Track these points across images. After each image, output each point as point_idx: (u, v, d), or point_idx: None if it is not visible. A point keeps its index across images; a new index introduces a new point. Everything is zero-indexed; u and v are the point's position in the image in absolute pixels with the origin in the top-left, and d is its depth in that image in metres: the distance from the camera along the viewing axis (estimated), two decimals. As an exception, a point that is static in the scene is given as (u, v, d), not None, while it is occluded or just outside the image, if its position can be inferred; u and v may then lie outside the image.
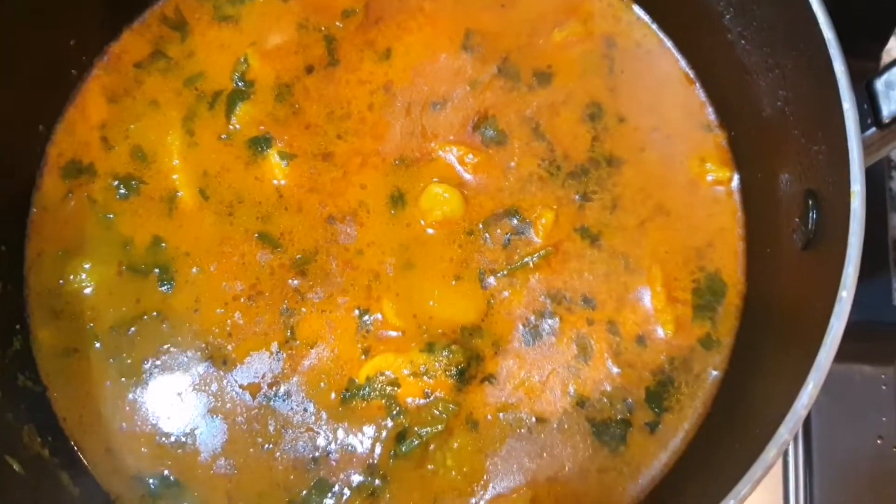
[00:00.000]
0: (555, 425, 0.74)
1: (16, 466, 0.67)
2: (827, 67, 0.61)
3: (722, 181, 0.79)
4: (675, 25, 0.82)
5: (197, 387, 0.76)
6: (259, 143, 0.82)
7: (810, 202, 0.65)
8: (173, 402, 0.76)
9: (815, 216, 0.65)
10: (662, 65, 0.83)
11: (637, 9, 0.84)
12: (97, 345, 0.77)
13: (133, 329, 0.77)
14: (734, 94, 0.78)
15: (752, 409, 0.68)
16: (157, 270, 0.79)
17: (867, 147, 0.61)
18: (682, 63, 0.82)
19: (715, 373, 0.75)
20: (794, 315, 0.68)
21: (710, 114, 0.81)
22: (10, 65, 0.76)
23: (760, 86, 0.73)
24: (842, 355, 0.91)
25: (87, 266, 0.79)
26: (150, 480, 0.74)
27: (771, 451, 0.58)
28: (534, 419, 0.74)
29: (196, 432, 0.75)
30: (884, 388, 0.93)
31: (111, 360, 0.77)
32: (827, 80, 0.61)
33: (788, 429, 0.58)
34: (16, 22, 0.75)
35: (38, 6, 0.76)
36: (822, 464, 0.89)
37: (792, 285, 0.70)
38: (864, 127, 0.61)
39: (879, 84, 0.61)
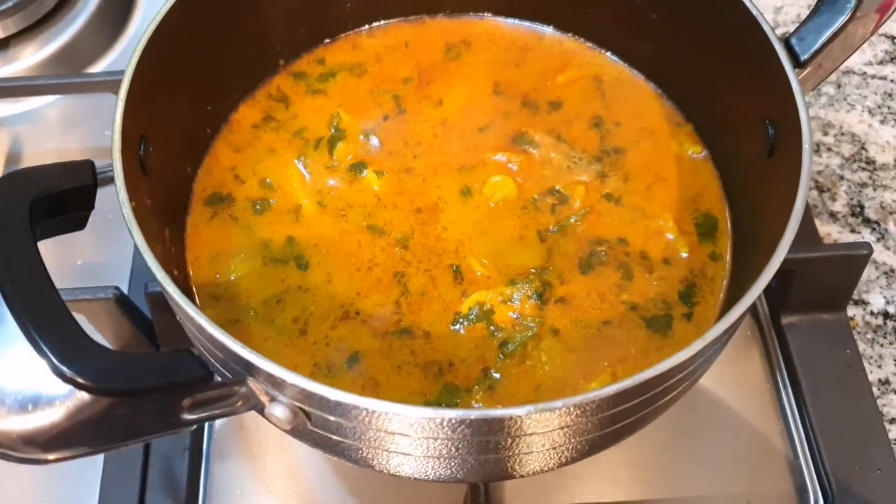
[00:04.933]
0: (617, 324, 0.98)
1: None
2: (760, 38, 0.95)
3: (697, 153, 1.09)
4: (639, 61, 1.17)
5: (339, 332, 0.97)
6: (357, 167, 1.09)
7: (767, 123, 0.96)
8: (321, 346, 0.96)
9: (772, 132, 0.95)
10: (636, 88, 1.16)
11: (610, 55, 1.18)
12: (253, 313, 0.98)
13: (280, 300, 0.99)
14: (692, 97, 1.12)
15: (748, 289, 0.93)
16: (294, 259, 1.02)
17: (796, 82, 0.93)
18: (651, 86, 1.16)
19: (723, 274, 1.01)
20: (768, 222, 0.96)
21: (677, 114, 1.13)
22: (170, 123, 1.03)
23: (713, 78, 1.06)
24: (807, 307, 1.20)
25: (236, 261, 1.02)
26: (311, 403, 0.93)
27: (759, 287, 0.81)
28: (601, 322, 0.98)
29: (344, 363, 0.95)
30: (841, 329, 1.20)
31: (266, 323, 0.98)
32: (761, 44, 0.94)
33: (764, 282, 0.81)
34: (175, 93, 1.02)
35: (189, 83, 1.04)
36: (807, 382, 1.14)
37: (762, 203, 0.99)
38: (788, 72, 0.94)
39: (794, 40, 0.94)
